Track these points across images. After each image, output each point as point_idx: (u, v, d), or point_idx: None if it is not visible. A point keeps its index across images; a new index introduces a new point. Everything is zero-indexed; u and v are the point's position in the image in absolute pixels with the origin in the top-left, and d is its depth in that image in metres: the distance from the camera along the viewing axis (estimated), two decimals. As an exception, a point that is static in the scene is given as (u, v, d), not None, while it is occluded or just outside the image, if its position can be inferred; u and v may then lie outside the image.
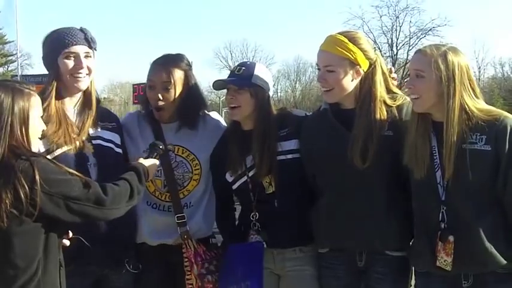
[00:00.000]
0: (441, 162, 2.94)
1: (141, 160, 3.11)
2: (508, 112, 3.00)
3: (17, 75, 40.15)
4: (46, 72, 3.33)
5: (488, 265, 2.88)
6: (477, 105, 2.92)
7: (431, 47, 2.97)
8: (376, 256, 3.22)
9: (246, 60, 3.82)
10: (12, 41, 53.54)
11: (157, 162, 3.21)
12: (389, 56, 49.35)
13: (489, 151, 2.87)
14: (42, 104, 2.88)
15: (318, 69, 3.26)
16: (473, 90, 2.93)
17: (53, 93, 3.19)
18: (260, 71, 3.42)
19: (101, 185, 2.72)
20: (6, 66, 56.22)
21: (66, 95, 3.26)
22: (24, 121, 2.57)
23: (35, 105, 2.64)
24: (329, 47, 3.19)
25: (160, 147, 3.27)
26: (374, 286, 3.26)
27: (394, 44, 49.43)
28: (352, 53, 3.14)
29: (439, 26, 45.95)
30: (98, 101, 3.40)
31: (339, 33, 3.21)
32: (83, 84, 3.25)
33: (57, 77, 3.22)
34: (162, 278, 3.55)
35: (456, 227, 2.90)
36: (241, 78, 3.38)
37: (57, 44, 3.21)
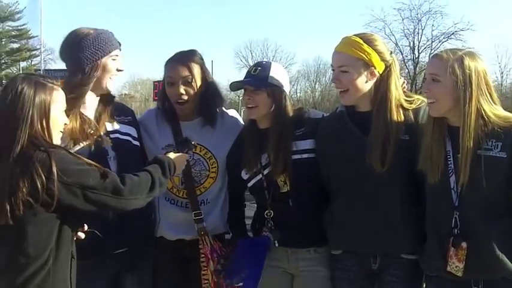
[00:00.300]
0: (455, 167, 2.92)
1: (170, 154, 3.14)
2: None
3: (40, 70, 40.51)
4: None
5: (498, 272, 2.87)
6: (494, 111, 2.89)
7: (447, 52, 2.95)
8: (390, 259, 3.21)
9: (262, 60, 3.84)
10: (36, 36, 54.16)
11: (186, 156, 3.24)
12: (410, 59, 49.15)
13: (504, 158, 2.84)
14: (73, 100, 2.99)
15: (333, 70, 3.26)
16: (491, 95, 2.90)
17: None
18: (276, 71, 3.43)
19: (119, 176, 2.75)
20: (29, 61, 56.70)
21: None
22: (45, 114, 2.62)
23: (57, 99, 2.68)
24: (343, 48, 3.19)
25: (192, 142, 3.31)
26: None
27: (416, 47, 49.20)
28: (366, 53, 3.14)
29: (461, 30, 45.71)
30: (113, 96, 3.44)
31: (354, 35, 3.21)
32: (113, 85, 3.33)
33: (96, 76, 3.22)
34: (178, 272, 3.60)
35: (468, 233, 2.88)
36: (258, 79, 3.39)
37: (105, 45, 3.23)
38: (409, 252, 3.19)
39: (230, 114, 3.78)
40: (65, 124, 2.79)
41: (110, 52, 3.23)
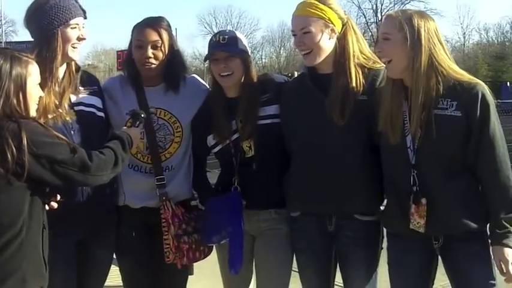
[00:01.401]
0: (411, 126, 2.97)
1: (124, 129, 3.19)
2: (493, 77, 3.03)
3: (1, 42, 39.76)
4: (30, 39, 3.28)
5: (457, 228, 2.95)
6: (451, 65, 2.95)
7: (397, 11, 3.05)
8: (345, 220, 3.28)
9: (224, 29, 3.86)
10: (-4, 8, 52.93)
11: (139, 130, 3.29)
12: (374, 22, 49.36)
13: (459, 117, 2.89)
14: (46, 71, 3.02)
15: (294, 35, 3.32)
16: (445, 52, 2.96)
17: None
18: (241, 38, 3.50)
19: (87, 152, 2.79)
20: (-11, 33, 55.50)
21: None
22: (21, 87, 2.64)
23: (32, 73, 2.71)
24: (302, 11, 3.26)
25: (142, 115, 3.32)
26: (344, 250, 3.33)
27: (379, 10, 49.36)
28: (324, 12, 3.21)
29: (424, -9, 45.89)
30: (78, 67, 3.42)
31: None
32: (77, 55, 3.31)
33: (56, 47, 3.19)
34: (142, 240, 3.62)
35: (427, 191, 2.95)
36: (230, 46, 3.44)
37: (61, 14, 3.19)
38: (363, 213, 3.27)
39: (193, 79, 3.81)
40: (40, 97, 2.81)
41: (68, 21, 3.19)
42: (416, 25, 2.91)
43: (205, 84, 3.82)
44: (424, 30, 2.91)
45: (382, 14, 48.81)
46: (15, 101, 2.61)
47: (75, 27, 3.24)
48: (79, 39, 3.26)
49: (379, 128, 3.07)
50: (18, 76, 2.63)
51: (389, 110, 3.03)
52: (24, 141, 2.51)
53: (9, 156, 2.48)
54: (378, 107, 3.08)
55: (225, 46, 3.44)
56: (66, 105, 3.25)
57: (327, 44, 3.26)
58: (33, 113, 2.74)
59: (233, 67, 3.43)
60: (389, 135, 3.02)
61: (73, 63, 3.36)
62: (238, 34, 3.53)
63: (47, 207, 2.83)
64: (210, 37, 3.64)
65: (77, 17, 3.24)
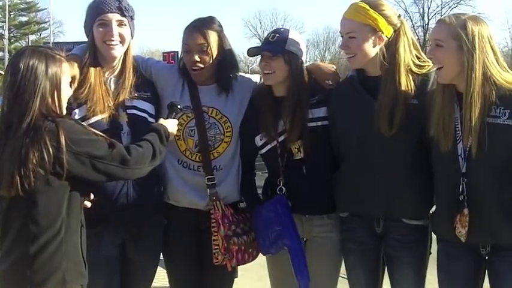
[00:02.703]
0: (463, 134, 2.92)
1: (162, 121, 3.20)
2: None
3: (49, 43, 40.51)
4: (77, 39, 3.42)
5: (503, 238, 2.91)
6: (502, 75, 2.89)
7: (450, 17, 2.97)
8: (393, 223, 3.26)
9: (280, 27, 3.81)
10: (45, 9, 54.33)
11: (176, 121, 3.29)
12: (420, 26, 48.88)
13: None
14: (80, 71, 3.08)
15: (342, 36, 3.30)
16: (497, 60, 2.89)
17: (88, 60, 3.24)
18: (293, 38, 3.45)
19: (125, 146, 2.82)
20: (38, 34, 56.73)
21: (103, 63, 3.30)
22: (57, 86, 2.66)
23: (65, 71, 2.73)
24: (351, 15, 3.23)
25: (179, 106, 3.33)
26: (392, 253, 3.31)
27: (426, 14, 48.89)
28: (373, 19, 3.17)
29: (471, -5, 45.22)
30: (136, 70, 3.42)
31: (361, 1, 3.24)
32: (116, 52, 3.28)
33: (93, 45, 3.27)
34: (191, 242, 3.60)
35: (474, 200, 2.90)
36: (275, 45, 3.42)
37: (93, 12, 3.26)
38: (412, 217, 3.24)
39: (242, 78, 3.75)
40: (93, 95, 2.91)
41: (96, 18, 3.24)
42: (471, 33, 2.85)
43: (254, 81, 3.76)
44: (479, 38, 2.85)
45: (429, 17, 48.49)
46: (50, 100, 2.63)
47: (103, 25, 3.25)
48: (107, 35, 3.25)
49: (430, 133, 3.02)
50: (53, 75, 2.65)
51: (441, 116, 2.98)
52: (63, 140, 2.52)
53: (46, 156, 2.49)
54: (429, 110, 3.04)
55: (269, 45, 3.45)
56: (119, 107, 3.28)
57: (372, 50, 3.23)
58: (64, 111, 2.75)
59: (274, 67, 3.41)
60: (440, 142, 2.98)
61: (129, 64, 3.38)
62: (293, 34, 3.48)
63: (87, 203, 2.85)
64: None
65: (105, 14, 3.24)
